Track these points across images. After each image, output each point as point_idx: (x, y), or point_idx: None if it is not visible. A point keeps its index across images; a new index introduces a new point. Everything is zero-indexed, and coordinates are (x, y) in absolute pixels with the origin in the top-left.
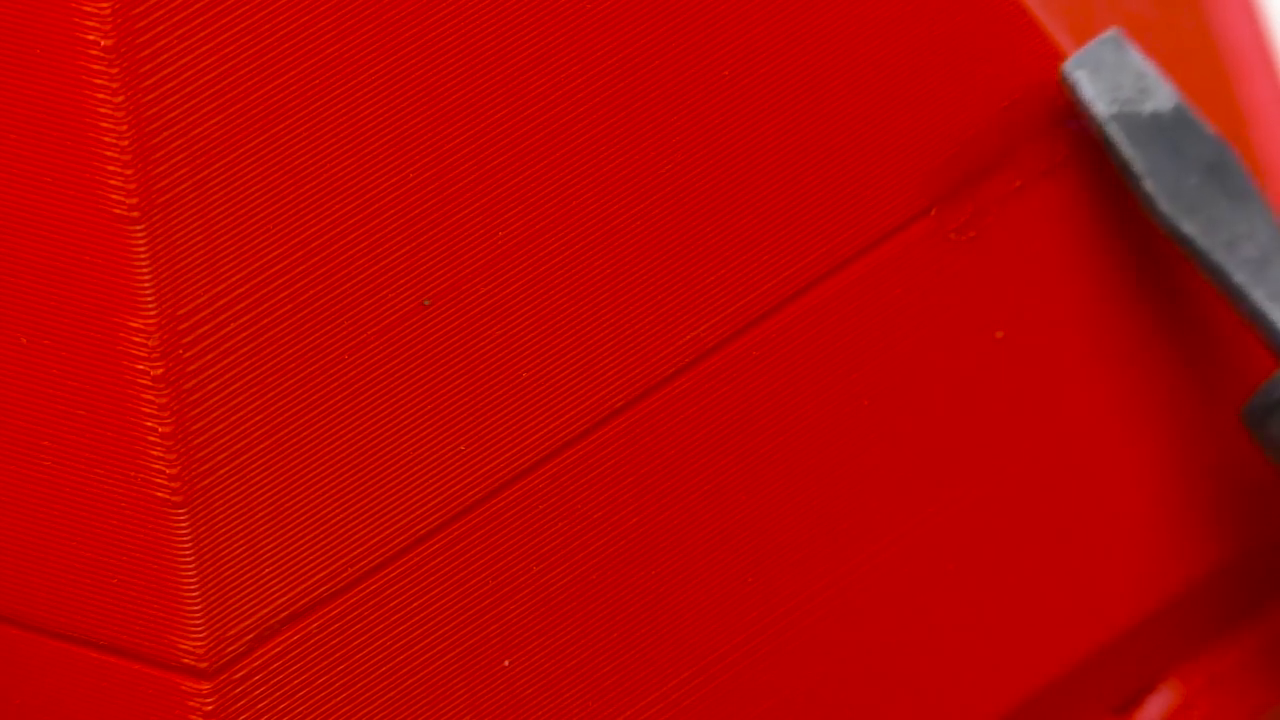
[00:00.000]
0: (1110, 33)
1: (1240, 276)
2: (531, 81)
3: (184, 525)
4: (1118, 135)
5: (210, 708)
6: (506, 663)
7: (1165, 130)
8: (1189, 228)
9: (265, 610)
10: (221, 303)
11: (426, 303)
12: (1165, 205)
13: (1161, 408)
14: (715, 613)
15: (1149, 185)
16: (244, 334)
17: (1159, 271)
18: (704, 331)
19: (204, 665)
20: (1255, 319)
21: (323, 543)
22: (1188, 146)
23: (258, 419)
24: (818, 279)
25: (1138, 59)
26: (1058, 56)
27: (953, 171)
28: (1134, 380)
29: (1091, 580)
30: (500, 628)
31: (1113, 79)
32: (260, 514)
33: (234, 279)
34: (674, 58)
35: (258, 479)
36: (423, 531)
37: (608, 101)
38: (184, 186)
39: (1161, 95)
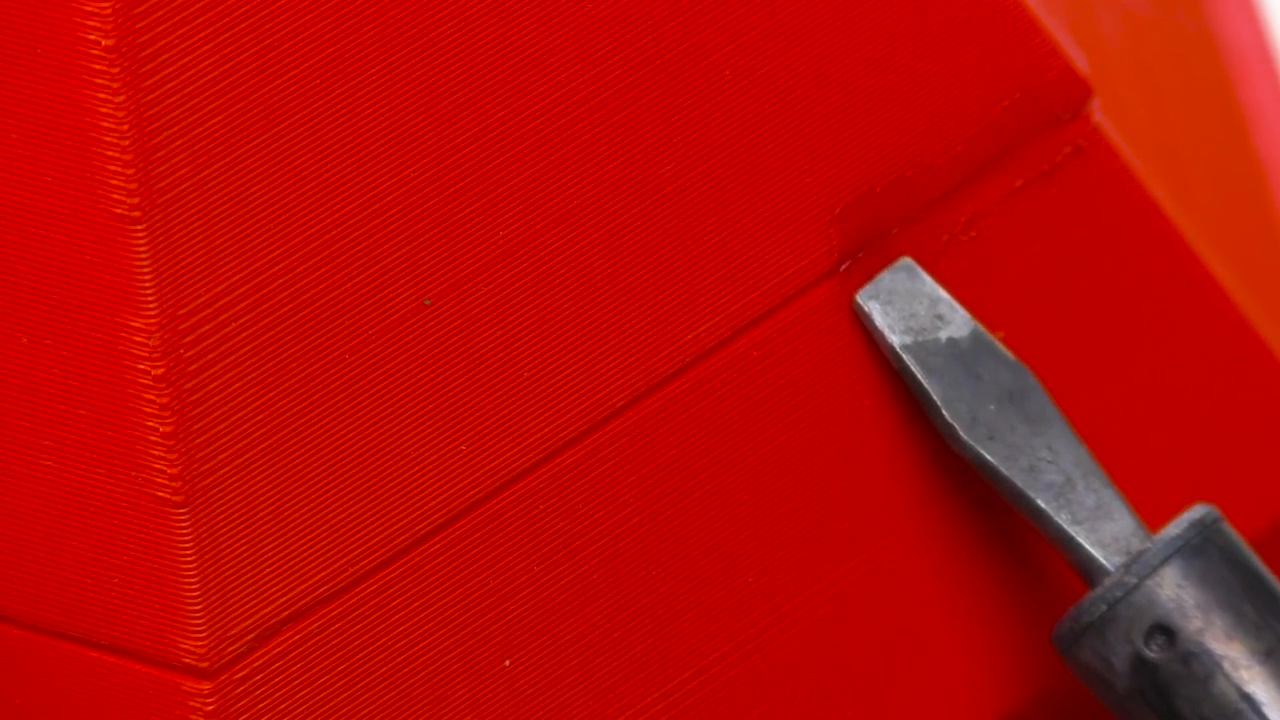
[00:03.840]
0: (902, 261)
1: (1042, 501)
2: (532, 81)
3: (184, 525)
4: (912, 364)
5: (211, 708)
6: (507, 663)
7: (961, 357)
8: (989, 455)
9: (266, 610)
10: (222, 302)
11: (427, 302)
12: (964, 433)
13: (1168, 411)
14: (715, 612)
15: (947, 414)
16: (244, 334)
17: (1159, 272)
18: (705, 331)
19: (205, 665)
20: (1061, 544)
21: (323, 543)
22: (985, 372)
23: (258, 419)
24: (817, 280)
25: (931, 285)
26: (1058, 56)
27: (953, 171)
28: (1134, 379)
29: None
30: (501, 628)
31: (906, 307)
32: (261, 514)
33: (234, 279)
34: (673, 58)
35: (258, 479)
36: (423, 531)
37: (608, 101)
38: (184, 186)
39: (957, 321)
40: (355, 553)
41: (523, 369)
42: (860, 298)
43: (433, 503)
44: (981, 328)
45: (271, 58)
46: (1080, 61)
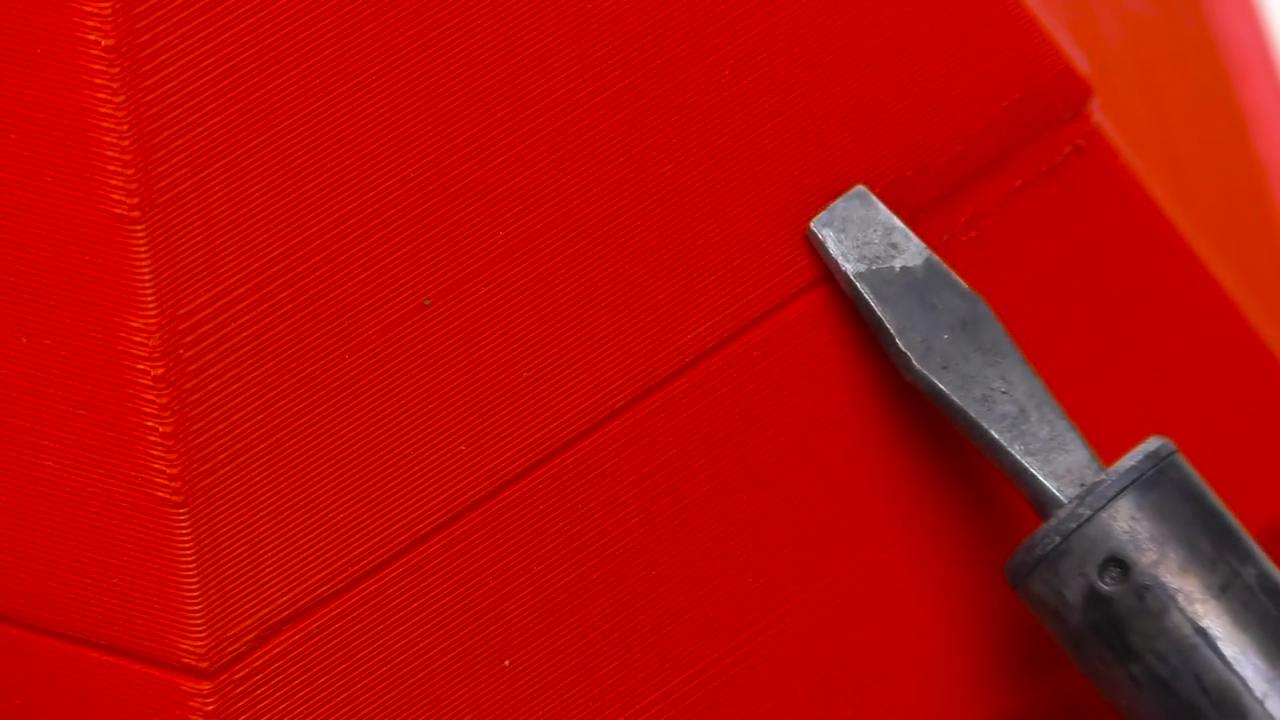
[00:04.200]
0: (856, 189)
1: (996, 432)
2: (531, 81)
3: (184, 525)
4: (866, 293)
5: (211, 708)
6: (507, 663)
7: (915, 286)
8: (942, 384)
9: (266, 610)
10: (222, 302)
11: (427, 303)
12: (917, 361)
13: (1168, 410)
14: (715, 613)
15: (900, 342)
16: (244, 334)
17: (1159, 272)
18: (704, 332)
19: (204, 665)
20: (1013, 475)
21: (323, 543)
22: (939, 302)
23: (258, 419)
24: (815, 281)
25: (885, 214)
26: (1058, 56)
27: (953, 171)
28: (1134, 379)
29: None
30: (500, 628)
31: (860, 235)
32: (261, 514)
33: (234, 279)
34: (672, 58)
35: (258, 479)
36: (423, 531)
37: (608, 102)
38: (184, 186)
39: (911, 250)
40: (355, 553)
41: (522, 369)
42: (814, 225)
43: (433, 503)
44: (935, 256)
45: (271, 58)
46: (1080, 61)
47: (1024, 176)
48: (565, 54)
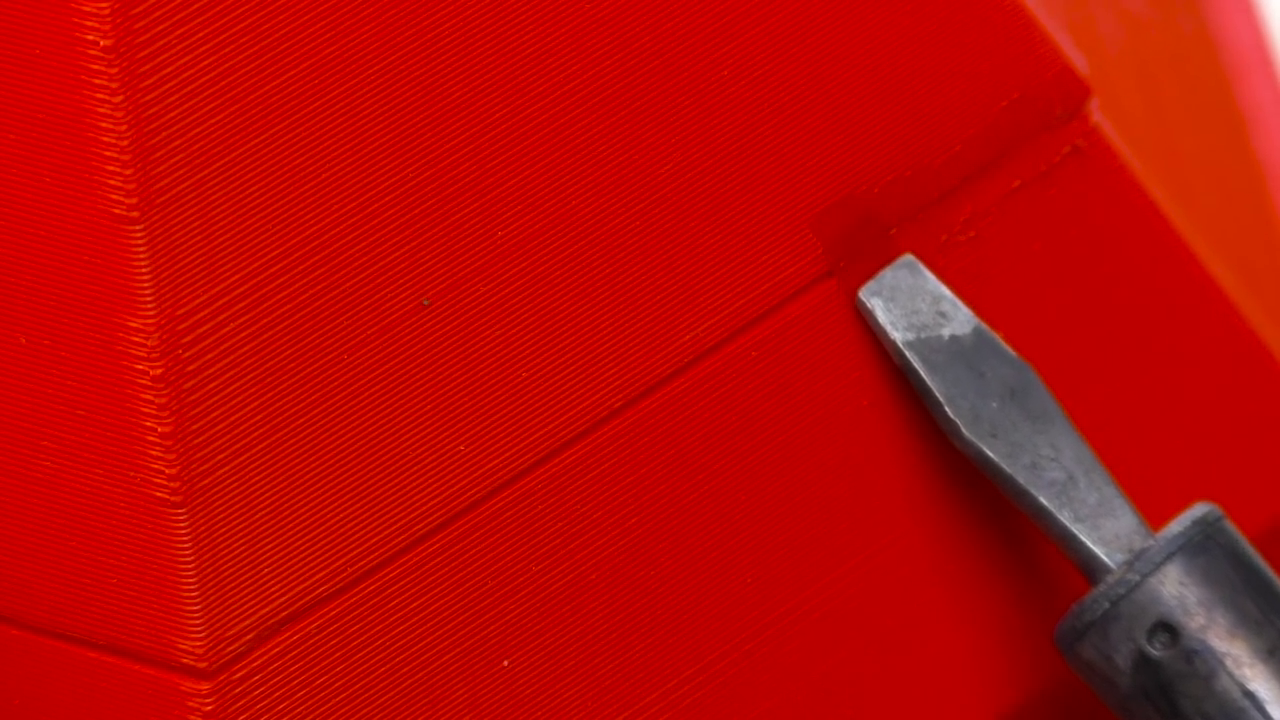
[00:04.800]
0: (904, 258)
1: (1045, 499)
2: (531, 81)
3: (184, 525)
4: (915, 361)
5: (210, 708)
6: (506, 663)
7: (964, 354)
8: (991, 452)
9: (265, 610)
10: (221, 302)
11: (426, 303)
12: (966, 430)
13: (1168, 411)
14: (715, 612)
15: (949, 410)
16: (243, 334)
17: (1158, 272)
18: (704, 331)
19: (203, 665)
20: (1063, 540)
21: (323, 543)
22: (987, 370)
23: (257, 419)
24: (816, 280)
25: (934, 283)
26: (1057, 56)
27: (952, 171)
28: (1134, 379)
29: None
30: (500, 628)
31: (909, 304)
32: (260, 514)
33: (234, 279)
34: (672, 58)
35: (257, 479)
36: (423, 531)
37: (608, 101)
38: (184, 186)
39: (960, 319)
40: (354, 553)
41: (522, 369)
42: (863, 294)
43: (432, 503)
44: (984, 325)
45: (270, 58)
46: (1079, 61)
47: (1023, 176)
48: (565, 54)
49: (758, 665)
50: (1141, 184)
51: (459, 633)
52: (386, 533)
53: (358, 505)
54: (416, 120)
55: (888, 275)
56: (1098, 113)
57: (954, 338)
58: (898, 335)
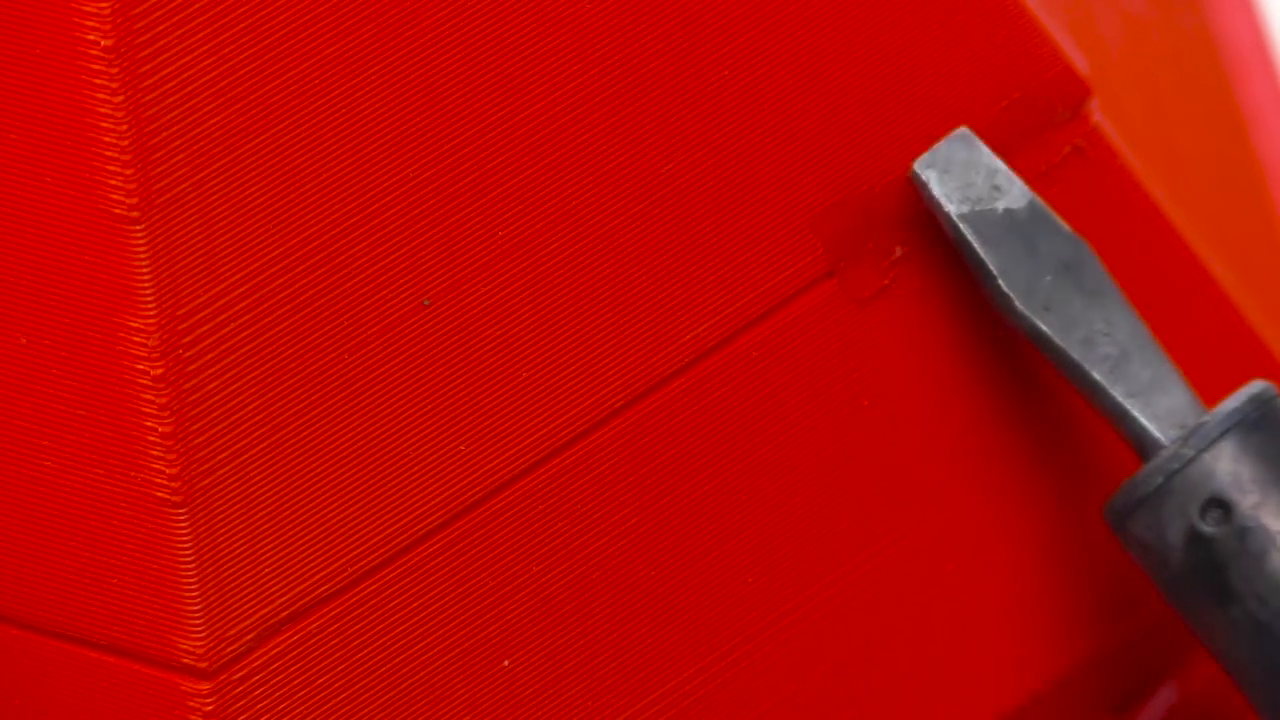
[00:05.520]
0: (960, 131)
1: (1098, 374)
2: (531, 81)
3: (184, 525)
4: (969, 234)
5: (210, 708)
6: (506, 663)
7: (1018, 228)
8: (1044, 325)
9: (265, 610)
10: (221, 302)
11: (426, 303)
12: (1020, 303)
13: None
14: (715, 612)
15: (1003, 283)
16: (244, 334)
17: (1159, 272)
18: (704, 331)
19: (204, 665)
20: (1115, 417)
21: (323, 543)
22: (1042, 244)
23: (258, 419)
24: (815, 280)
25: (989, 156)
26: (1057, 56)
27: None
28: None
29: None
30: (500, 628)
31: (963, 177)
32: (260, 514)
33: (234, 279)
34: (672, 58)
35: (257, 479)
36: (423, 531)
37: (608, 101)
38: (184, 186)
39: (1014, 192)
40: (354, 553)
41: (522, 369)
42: (918, 166)
43: (432, 503)
44: (1039, 199)
45: (270, 58)
46: (1080, 61)
47: (1023, 176)
48: (564, 54)
49: (758, 665)
50: (1142, 184)
51: (459, 633)
52: (387, 533)
53: (358, 505)
54: (417, 120)
55: (942, 148)
56: (1098, 113)
57: (1008, 211)
58: (951, 208)
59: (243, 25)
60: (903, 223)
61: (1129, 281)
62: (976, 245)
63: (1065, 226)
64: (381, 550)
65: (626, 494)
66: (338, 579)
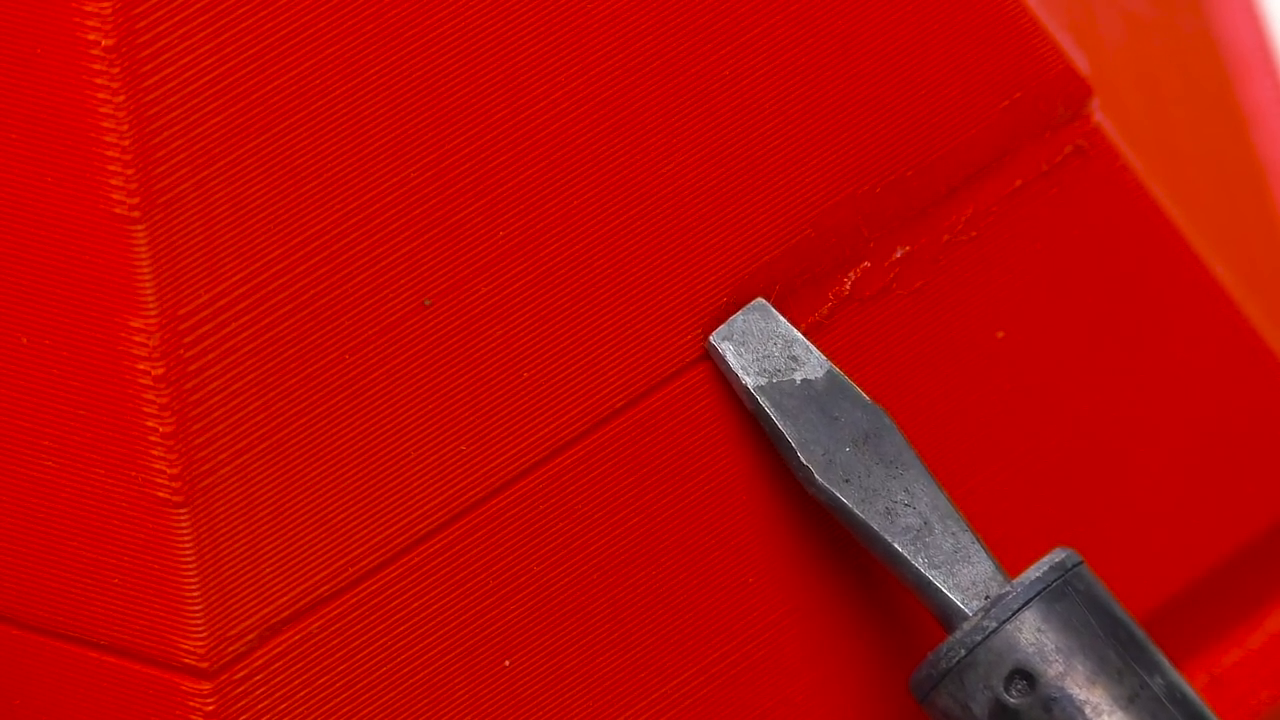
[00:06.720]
0: (756, 302)
1: (899, 545)
2: (532, 82)
3: (184, 525)
4: (767, 406)
5: (211, 708)
6: (507, 663)
7: (817, 398)
8: (844, 498)
9: (266, 610)
10: (222, 302)
11: (427, 303)
12: (819, 475)
13: (1168, 410)
14: (715, 613)
15: (801, 456)
16: (245, 334)
17: (1159, 271)
18: (710, 328)
19: (205, 665)
20: (918, 588)
21: (323, 543)
22: (841, 414)
23: (258, 419)
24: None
25: (786, 327)
26: (1058, 56)
27: (953, 171)
28: (1134, 379)
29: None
30: (501, 628)
31: (760, 349)
32: (261, 514)
33: (235, 279)
34: (673, 58)
35: (258, 479)
36: (423, 531)
37: (609, 102)
38: (184, 186)
39: (812, 363)
40: (355, 553)
41: (523, 369)
42: (714, 339)
43: (433, 503)
44: (837, 369)
45: (271, 58)
46: (1080, 61)
47: (1024, 176)
48: (565, 55)
49: (758, 665)
50: (1143, 183)
51: (460, 633)
52: (388, 533)
53: (359, 505)
54: (417, 121)
55: (739, 319)
56: (1099, 113)
57: (806, 382)
58: (749, 380)
59: (243, 25)
60: (903, 223)
61: (1129, 282)
62: (774, 417)
63: (864, 396)
64: (383, 550)
65: (627, 494)
66: (339, 579)
